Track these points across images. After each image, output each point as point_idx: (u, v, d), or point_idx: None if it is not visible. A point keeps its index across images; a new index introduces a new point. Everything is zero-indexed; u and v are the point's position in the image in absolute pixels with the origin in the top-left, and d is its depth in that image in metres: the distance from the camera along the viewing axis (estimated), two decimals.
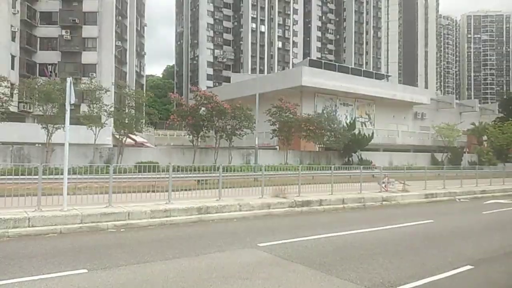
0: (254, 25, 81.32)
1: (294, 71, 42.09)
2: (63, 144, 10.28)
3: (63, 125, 13.65)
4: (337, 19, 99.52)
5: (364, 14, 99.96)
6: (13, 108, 28.66)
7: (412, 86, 64.67)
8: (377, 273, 5.99)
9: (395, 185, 17.78)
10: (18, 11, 37.95)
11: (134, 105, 27.93)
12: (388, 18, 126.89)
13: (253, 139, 28.53)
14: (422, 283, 5.61)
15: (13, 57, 37.31)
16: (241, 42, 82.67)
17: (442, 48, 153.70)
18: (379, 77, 49.88)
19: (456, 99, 63.66)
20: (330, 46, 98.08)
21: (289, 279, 5.67)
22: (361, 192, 16.12)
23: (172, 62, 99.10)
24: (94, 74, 39.01)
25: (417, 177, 21.37)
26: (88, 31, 40.87)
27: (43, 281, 5.36)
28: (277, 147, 33.86)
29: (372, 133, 36.26)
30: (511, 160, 42.51)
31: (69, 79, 9.78)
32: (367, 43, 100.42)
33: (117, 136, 27.55)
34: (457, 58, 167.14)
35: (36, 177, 9.74)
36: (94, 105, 25.38)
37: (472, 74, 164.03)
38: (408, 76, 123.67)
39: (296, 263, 6.47)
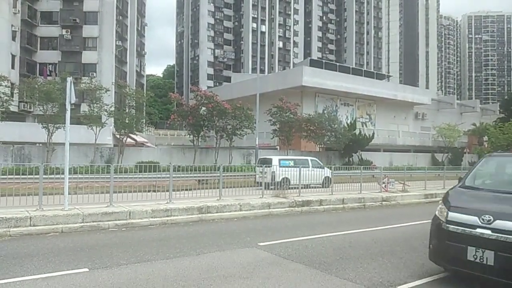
0: (254, 25, 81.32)
1: (295, 71, 42.11)
2: (63, 144, 10.32)
3: (63, 125, 13.71)
4: (338, 19, 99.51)
5: (365, 15, 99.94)
6: (13, 108, 28.71)
7: (413, 86, 64.72)
8: (377, 273, 6.02)
9: (395, 185, 17.81)
10: (18, 11, 37.99)
11: (134, 104, 28.01)
12: (388, 19, 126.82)
13: (253, 139, 28.55)
14: (421, 282, 5.63)
15: (13, 56, 37.35)
16: (241, 42, 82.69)
17: (443, 48, 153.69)
18: (380, 77, 49.91)
19: (457, 99, 63.66)
20: (331, 46, 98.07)
21: (289, 278, 5.69)
22: (361, 192, 16.14)
23: (173, 61, 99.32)
24: (95, 74, 39.05)
25: (417, 178, 21.38)
26: (88, 30, 40.90)
27: (44, 280, 5.39)
28: (278, 147, 33.89)
29: (373, 134, 36.29)
30: None
31: (69, 79, 9.82)
32: (367, 43, 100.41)
33: (118, 136, 27.61)
34: (458, 59, 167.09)
35: (37, 176, 9.78)
36: (95, 105, 25.44)
37: (473, 74, 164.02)
38: (409, 76, 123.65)
39: (296, 263, 6.50)
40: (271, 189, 14.77)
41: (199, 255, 6.91)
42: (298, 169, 15.85)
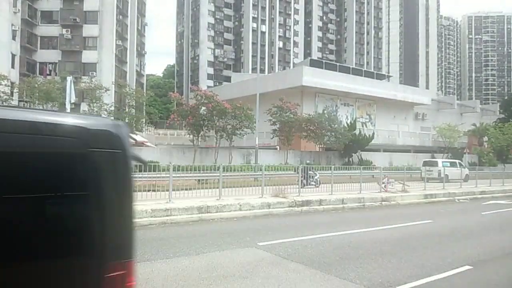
0: (255, 25, 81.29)
1: (295, 71, 42.10)
2: None
3: None
4: (338, 19, 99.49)
5: (365, 15, 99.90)
6: None
7: (413, 86, 64.69)
8: (376, 273, 6.01)
9: (395, 186, 17.80)
10: (19, 10, 37.94)
11: (134, 104, 28.03)
12: (389, 19, 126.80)
13: (253, 139, 28.54)
14: (421, 283, 5.63)
15: (13, 55, 37.31)
16: (241, 42, 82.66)
17: (443, 49, 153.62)
18: (380, 77, 49.87)
19: (457, 99, 63.64)
20: (331, 46, 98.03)
21: (288, 278, 5.69)
22: (360, 192, 16.14)
23: (173, 61, 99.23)
24: (94, 73, 39.01)
25: (417, 178, 21.38)
26: (88, 30, 40.85)
27: None
28: (278, 147, 33.87)
29: (373, 134, 36.27)
30: (511, 161, 42.49)
31: (69, 78, 9.84)
32: (368, 43, 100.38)
33: None
34: (458, 59, 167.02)
35: None
36: (94, 104, 25.44)
37: (474, 74, 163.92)
38: (409, 76, 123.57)
39: (295, 263, 6.49)
40: (437, 182, 21.58)
41: (199, 255, 6.91)
42: (454, 167, 26.03)
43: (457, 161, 30.26)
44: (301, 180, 15.89)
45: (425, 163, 27.91)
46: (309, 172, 17.65)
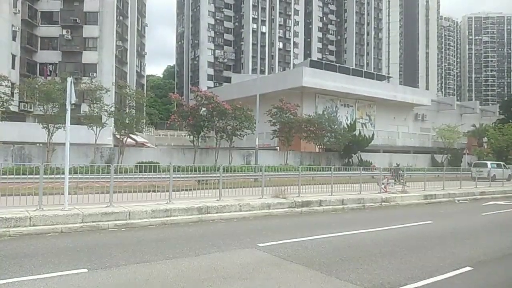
0: (255, 26, 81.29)
1: (295, 72, 42.12)
2: (63, 144, 10.32)
3: (63, 125, 13.72)
4: (338, 20, 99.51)
5: (365, 16, 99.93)
6: (13, 108, 28.69)
7: (413, 87, 64.73)
8: (377, 274, 6.01)
9: (395, 186, 17.81)
10: (19, 11, 37.94)
11: (134, 105, 28.02)
12: (389, 20, 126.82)
13: (253, 140, 28.55)
14: (421, 284, 5.62)
15: (13, 56, 37.30)
16: (242, 43, 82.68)
17: (443, 50, 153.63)
18: (380, 78, 49.89)
19: (457, 100, 63.66)
20: (331, 47, 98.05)
21: (288, 279, 5.69)
22: (360, 193, 16.14)
23: (173, 62, 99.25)
24: (95, 74, 39.01)
25: (417, 179, 21.39)
26: (89, 31, 40.86)
27: (43, 281, 5.38)
28: (278, 147, 33.89)
29: (373, 134, 36.30)
30: (511, 162, 42.47)
31: (69, 79, 9.81)
32: (368, 44, 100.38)
33: (118, 136, 27.60)
34: (458, 60, 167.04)
35: (37, 176, 9.77)
36: (95, 105, 25.42)
37: (473, 75, 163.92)
38: (409, 77, 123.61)
39: (296, 264, 6.49)
40: (485, 181, 23.82)
41: (199, 256, 6.91)
42: (499, 168, 32.25)
43: (501, 163, 34.38)
44: (394, 178, 18.87)
45: (476, 165, 31.97)
46: (399, 171, 20.33)
